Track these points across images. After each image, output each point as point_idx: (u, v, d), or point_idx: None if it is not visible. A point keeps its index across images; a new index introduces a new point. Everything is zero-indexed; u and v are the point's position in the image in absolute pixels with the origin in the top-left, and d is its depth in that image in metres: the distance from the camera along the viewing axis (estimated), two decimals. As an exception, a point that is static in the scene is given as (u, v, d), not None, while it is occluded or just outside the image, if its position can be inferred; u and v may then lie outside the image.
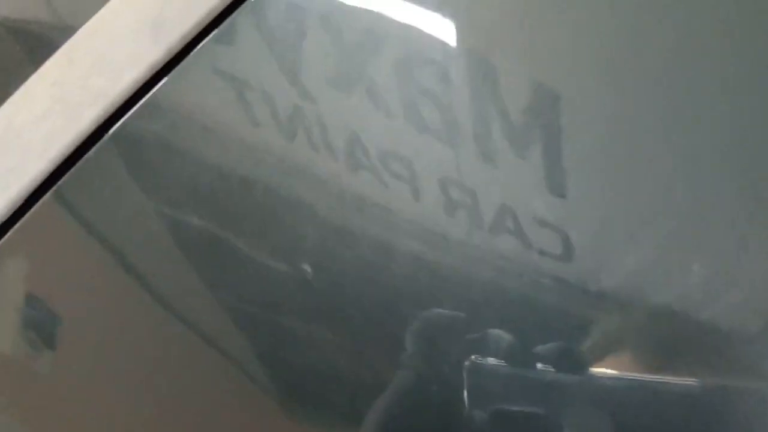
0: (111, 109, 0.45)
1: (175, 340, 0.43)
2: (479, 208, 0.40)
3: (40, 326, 0.44)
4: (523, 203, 0.39)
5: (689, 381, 0.38)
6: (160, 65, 0.46)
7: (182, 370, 0.43)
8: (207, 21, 0.46)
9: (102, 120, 0.45)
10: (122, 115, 0.45)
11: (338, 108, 0.43)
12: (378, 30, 0.44)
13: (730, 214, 0.38)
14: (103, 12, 0.47)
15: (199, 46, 0.46)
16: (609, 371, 0.37)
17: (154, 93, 0.45)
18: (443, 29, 0.43)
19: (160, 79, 0.46)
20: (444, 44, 0.43)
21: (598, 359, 0.38)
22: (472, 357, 0.37)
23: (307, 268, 0.41)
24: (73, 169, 0.44)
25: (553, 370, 0.37)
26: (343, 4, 0.46)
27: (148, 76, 0.45)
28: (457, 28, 0.44)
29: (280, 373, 0.42)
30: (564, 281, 0.38)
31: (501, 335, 0.37)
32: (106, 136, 0.45)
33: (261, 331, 0.42)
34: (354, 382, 0.41)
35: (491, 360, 0.37)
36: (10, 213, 0.44)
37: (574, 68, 0.41)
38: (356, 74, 0.43)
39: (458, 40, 0.43)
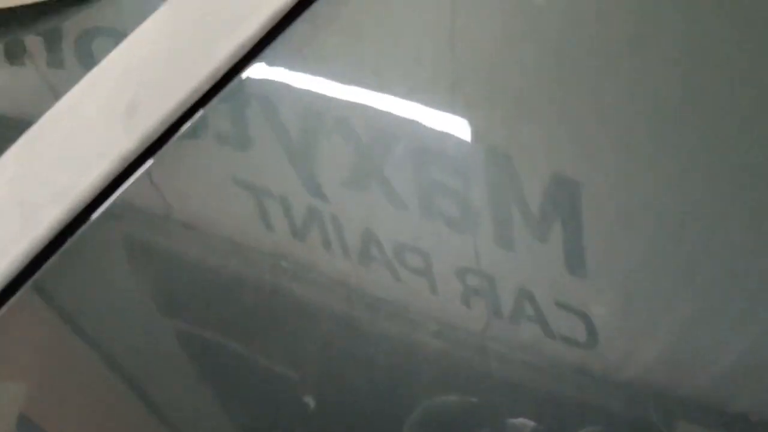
0: (75, 210, 0.38)
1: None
2: (498, 294, 0.36)
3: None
4: (542, 286, 0.36)
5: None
6: (134, 157, 0.39)
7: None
8: (188, 104, 0.40)
9: (65, 223, 0.38)
10: (88, 216, 0.39)
11: (352, 205, 0.39)
12: (393, 129, 0.39)
13: (759, 291, 0.35)
14: (69, 96, 0.41)
15: (178, 132, 0.40)
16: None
17: (125, 189, 0.39)
18: (458, 125, 0.40)
19: (132, 173, 0.40)
20: (459, 139, 0.39)
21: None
22: None
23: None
24: (30, 281, 0.38)
25: None
26: (357, 104, 0.41)
27: (119, 169, 0.39)
28: (471, 124, 0.40)
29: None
30: (590, 373, 0.34)
31: (524, 424, 0.33)
32: (69, 241, 0.38)
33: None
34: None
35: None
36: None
37: (592, 154, 0.39)
38: (371, 171, 0.39)
39: (473, 134, 0.39)
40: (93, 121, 0.40)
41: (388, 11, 0.42)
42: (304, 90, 0.40)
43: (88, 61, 0.43)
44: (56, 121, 0.40)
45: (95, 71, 0.41)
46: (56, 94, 0.41)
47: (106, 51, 0.42)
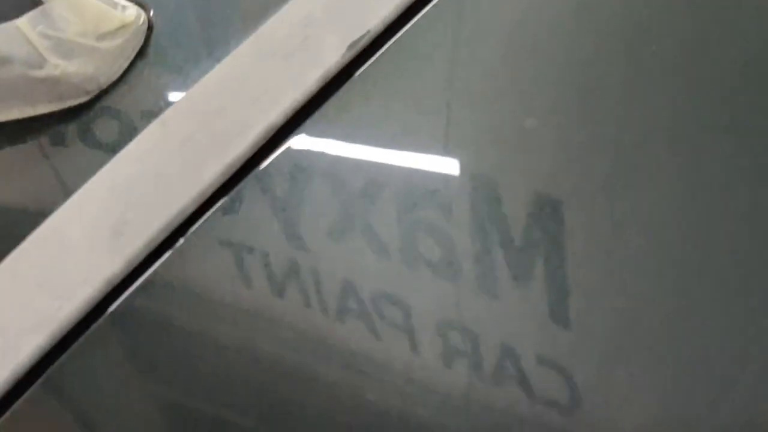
0: (56, 337, 0.37)
1: None
2: (479, 352, 0.34)
3: None
4: (525, 340, 0.34)
5: None
6: (119, 279, 0.39)
7: None
8: (176, 224, 0.40)
9: (45, 351, 0.37)
10: (71, 343, 0.38)
11: (333, 256, 0.38)
12: (379, 173, 0.39)
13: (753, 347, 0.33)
14: (54, 217, 0.40)
15: (166, 254, 0.39)
16: None
17: (110, 313, 0.38)
18: (444, 160, 0.40)
19: (118, 296, 0.39)
20: (444, 172, 0.39)
21: None
22: None
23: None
24: (9, 410, 0.37)
25: None
26: (346, 158, 0.41)
27: (103, 293, 0.38)
28: (459, 157, 0.39)
29: None
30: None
31: None
32: (50, 370, 0.37)
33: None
34: None
35: None
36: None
37: (575, 180, 0.38)
38: (355, 219, 0.38)
39: (460, 167, 0.39)
40: (78, 243, 0.39)
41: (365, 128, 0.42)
42: (297, 211, 0.40)
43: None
44: (40, 244, 0.39)
45: (81, 191, 0.40)
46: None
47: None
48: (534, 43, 0.41)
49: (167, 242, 0.39)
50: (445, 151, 0.40)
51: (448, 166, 0.40)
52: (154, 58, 0.45)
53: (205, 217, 0.40)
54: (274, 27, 0.44)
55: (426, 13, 0.43)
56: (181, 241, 0.39)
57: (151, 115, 0.42)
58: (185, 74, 0.44)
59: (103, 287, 0.38)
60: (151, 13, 0.46)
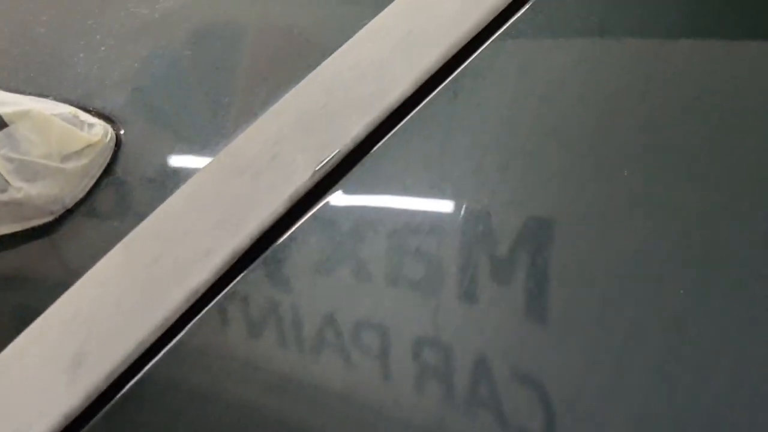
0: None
1: None
2: (454, 371, 0.34)
3: None
4: (501, 351, 0.34)
5: None
6: (77, 413, 0.38)
7: None
8: (137, 354, 0.39)
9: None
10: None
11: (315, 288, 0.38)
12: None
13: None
14: (13, 345, 0.39)
15: (127, 386, 0.38)
16: None
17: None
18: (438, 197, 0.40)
19: (77, 430, 0.38)
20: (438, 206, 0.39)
21: None
22: None
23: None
24: None
25: None
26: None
27: (61, 427, 0.37)
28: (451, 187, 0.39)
29: None
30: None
31: None
32: None
33: None
34: None
35: None
36: None
37: (564, 199, 0.38)
38: (343, 255, 0.39)
39: (453, 196, 0.39)
40: (35, 374, 0.38)
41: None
42: (266, 341, 0.39)
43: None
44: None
45: (41, 319, 0.40)
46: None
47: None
48: (509, 165, 0.41)
49: (128, 373, 0.38)
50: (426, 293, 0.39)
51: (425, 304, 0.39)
52: (121, 175, 0.44)
53: (167, 347, 0.39)
54: (243, 144, 0.44)
55: (395, 132, 0.42)
56: (142, 372, 0.38)
57: (115, 236, 0.42)
58: (151, 192, 0.44)
59: (60, 421, 0.37)
60: (122, 131, 0.45)
